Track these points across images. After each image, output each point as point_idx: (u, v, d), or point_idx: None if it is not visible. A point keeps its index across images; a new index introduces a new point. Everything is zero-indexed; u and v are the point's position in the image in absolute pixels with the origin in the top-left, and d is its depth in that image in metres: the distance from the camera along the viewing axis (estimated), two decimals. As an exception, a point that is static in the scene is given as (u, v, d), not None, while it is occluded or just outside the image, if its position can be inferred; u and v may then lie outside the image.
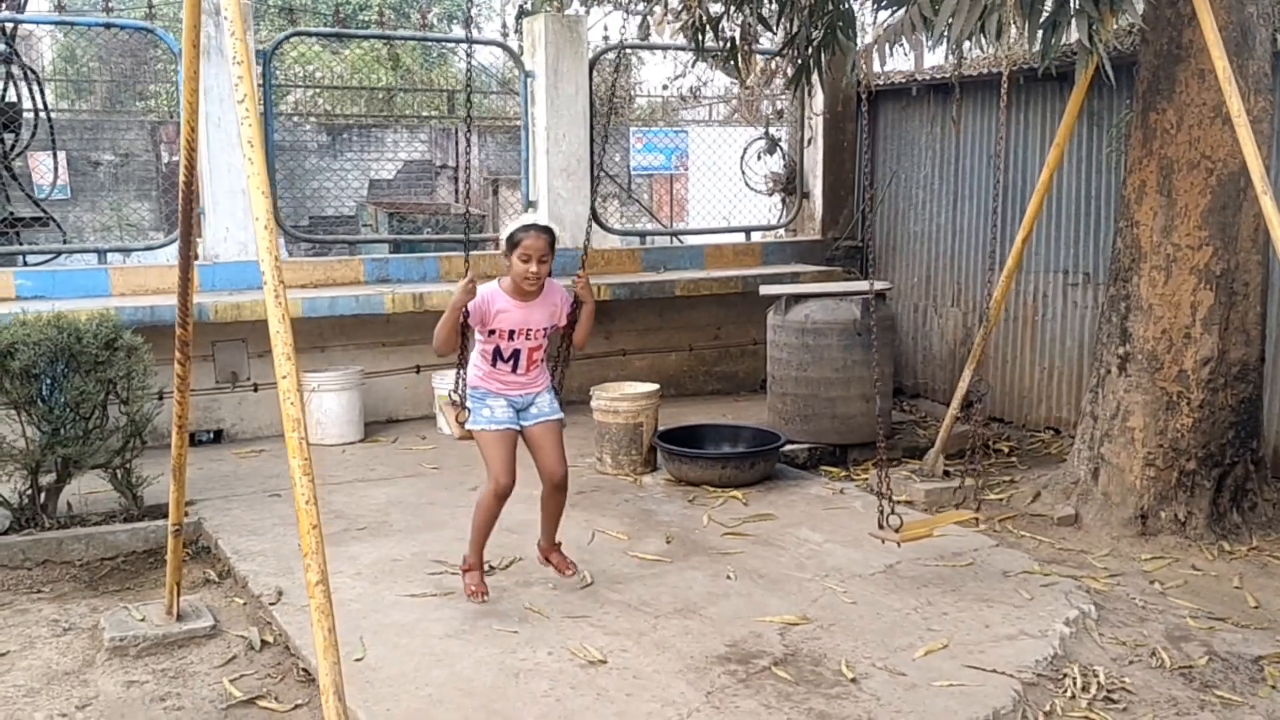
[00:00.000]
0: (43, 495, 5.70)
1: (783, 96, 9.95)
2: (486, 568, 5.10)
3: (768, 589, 4.88)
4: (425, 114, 19.68)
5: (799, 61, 6.44)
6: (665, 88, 12.69)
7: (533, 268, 4.43)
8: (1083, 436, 6.16)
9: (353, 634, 4.41)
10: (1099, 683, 4.03)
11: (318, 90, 19.99)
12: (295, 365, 2.89)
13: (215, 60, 7.26)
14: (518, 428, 4.63)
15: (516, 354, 4.58)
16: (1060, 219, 7.83)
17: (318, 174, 17.63)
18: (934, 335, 9.06)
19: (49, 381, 5.58)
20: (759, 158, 10.16)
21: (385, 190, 18.15)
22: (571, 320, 4.75)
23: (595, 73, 8.64)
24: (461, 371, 4.62)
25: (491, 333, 4.53)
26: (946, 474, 6.57)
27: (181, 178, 3.78)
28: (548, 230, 4.53)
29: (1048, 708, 3.88)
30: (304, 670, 4.28)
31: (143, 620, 4.69)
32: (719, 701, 3.82)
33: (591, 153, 8.56)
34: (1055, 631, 4.40)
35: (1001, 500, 6.40)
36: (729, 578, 5.01)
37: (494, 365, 4.59)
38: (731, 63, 6.72)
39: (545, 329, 4.63)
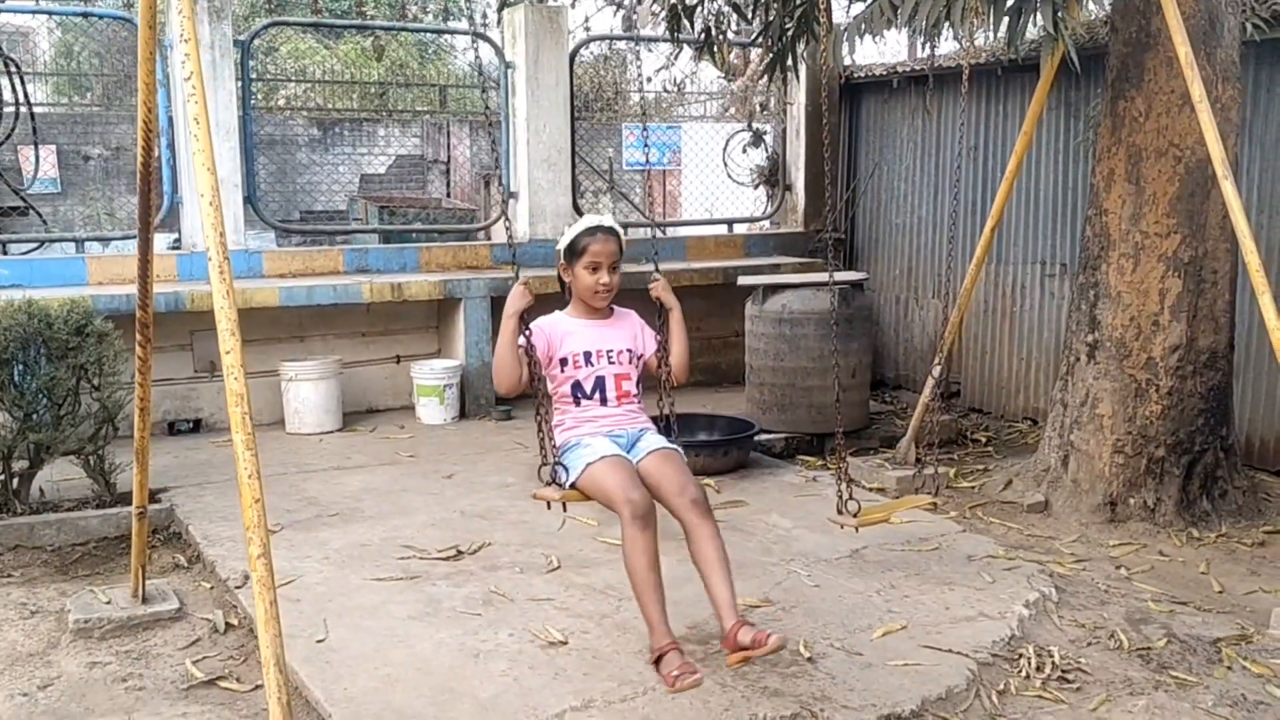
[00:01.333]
0: (15, 481, 5.72)
1: (769, 90, 9.97)
2: (454, 552, 5.14)
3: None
4: (416, 109, 19.70)
5: (774, 51, 6.46)
6: (649, 80, 12.69)
7: (604, 278, 3.75)
8: (1053, 424, 6.19)
9: (317, 616, 4.44)
10: (1054, 663, 4.05)
11: (310, 85, 20.02)
12: (238, 341, 2.91)
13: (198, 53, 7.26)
14: (629, 458, 3.71)
15: (601, 382, 3.77)
16: (1037, 210, 7.86)
17: (309, 168, 17.67)
18: (915, 327, 9.08)
19: (20, 367, 5.61)
20: (744, 150, 10.19)
21: (377, 185, 18.16)
22: (661, 346, 3.93)
23: (576, 64, 8.67)
24: (543, 448, 3.75)
25: (564, 363, 3.77)
26: (919, 461, 6.56)
27: (139, 159, 3.80)
28: (615, 232, 3.80)
29: (1001, 687, 3.90)
30: (266, 651, 4.30)
31: (108, 603, 4.71)
32: (675, 681, 3.84)
33: (573, 144, 8.59)
34: (1014, 613, 4.42)
35: (973, 488, 6.43)
36: (695, 562, 5.03)
37: (578, 405, 3.79)
38: (708, 52, 6.74)
39: (630, 351, 3.85)
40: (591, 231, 3.78)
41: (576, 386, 3.80)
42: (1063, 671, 4.01)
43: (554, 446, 3.76)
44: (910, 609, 4.49)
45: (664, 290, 3.93)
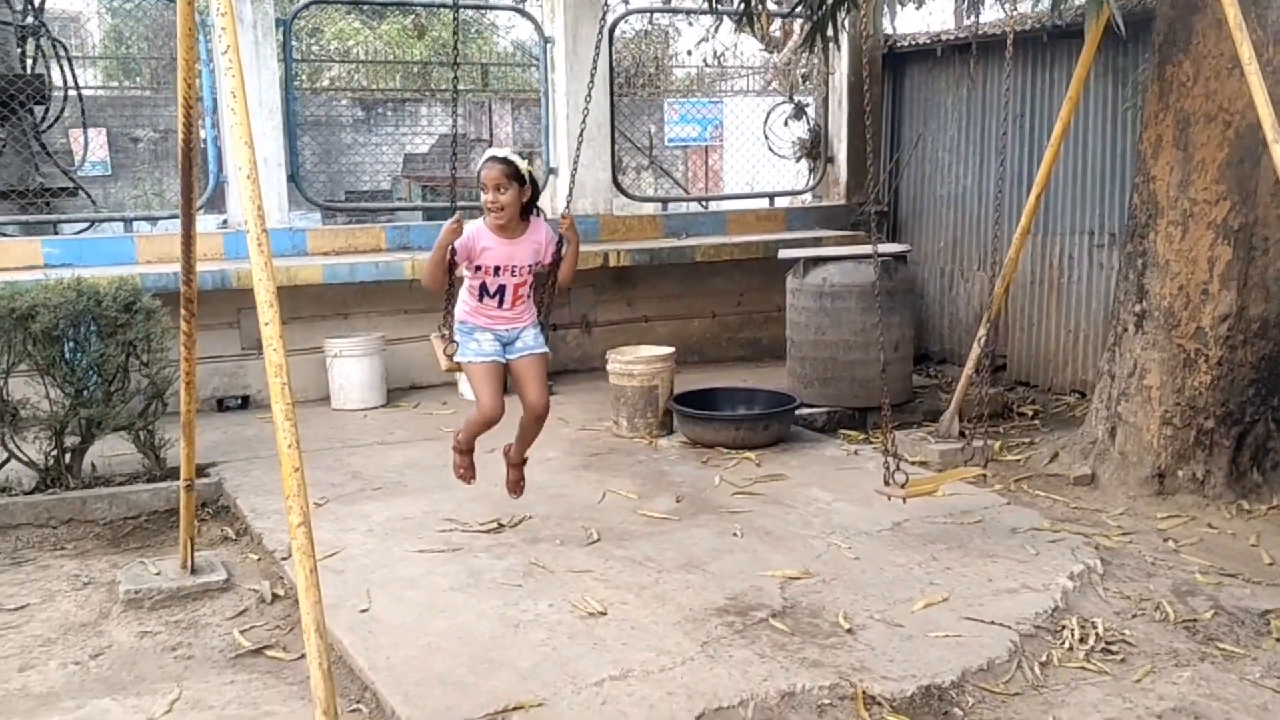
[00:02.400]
0: (68, 456, 5.83)
1: (810, 62, 9.88)
2: (494, 525, 5.19)
3: (772, 545, 4.90)
4: (459, 88, 19.73)
5: (814, 20, 6.40)
6: (690, 53, 12.61)
7: (488, 196, 4.46)
8: (1100, 396, 6.11)
9: (360, 587, 4.50)
10: (1098, 634, 4.01)
11: (354, 66, 20.12)
12: (277, 312, 2.93)
13: (236, 28, 7.32)
14: (504, 360, 4.72)
15: (502, 289, 4.63)
16: (1085, 179, 7.73)
17: (353, 149, 17.78)
18: (960, 300, 8.99)
19: (71, 345, 5.70)
20: (786, 123, 10.09)
21: (420, 164, 18.22)
22: (556, 259, 4.79)
23: (616, 39, 8.64)
24: (449, 307, 4.73)
25: (478, 269, 4.61)
26: (963, 435, 6.52)
27: (180, 136, 3.84)
28: (503, 160, 4.50)
29: (1044, 658, 3.87)
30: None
31: (158, 574, 4.80)
32: (714, 651, 3.85)
33: (612, 119, 8.56)
34: (1058, 585, 4.38)
35: (1019, 461, 6.37)
36: (735, 535, 5.03)
37: (480, 300, 4.66)
38: (747, 23, 6.69)
39: (530, 265, 4.67)
40: (484, 161, 4.52)
41: (483, 287, 4.63)
42: (1106, 643, 3.98)
43: (451, 315, 4.73)
44: (952, 581, 4.46)
45: (569, 229, 4.73)
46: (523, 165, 4.50)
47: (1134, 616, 4.25)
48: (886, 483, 4.82)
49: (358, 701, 3.76)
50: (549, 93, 8.44)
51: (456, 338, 4.73)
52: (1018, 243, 6.36)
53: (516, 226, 4.58)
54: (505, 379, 4.75)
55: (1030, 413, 7.58)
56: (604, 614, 4.18)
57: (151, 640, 4.32)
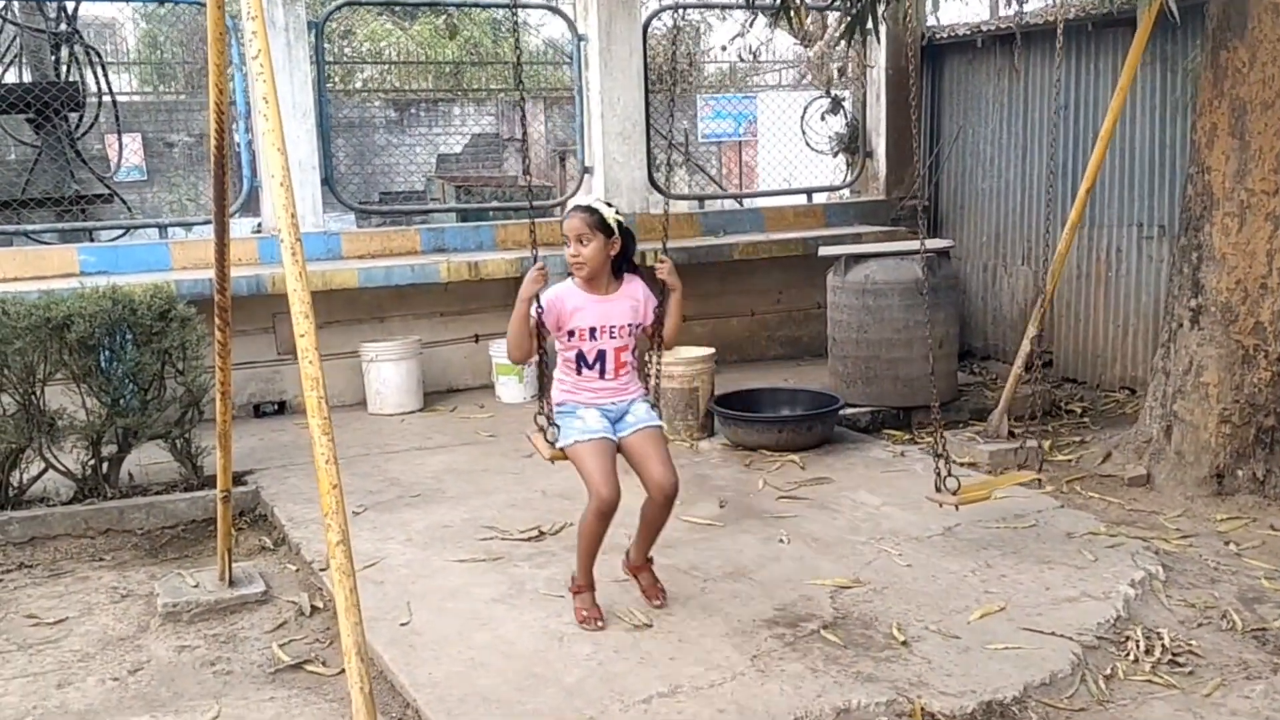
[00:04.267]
0: (105, 465, 5.79)
1: (847, 55, 9.71)
2: (535, 533, 5.09)
3: (820, 552, 4.77)
4: (491, 87, 19.70)
5: (853, 12, 6.26)
6: (724, 49, 12.48)
7: (570, 249, 4.06)
8: (1154, 393, 5.93)
9: (400, 598, 4.42)
10: (1164, 645, 3.87)
11: (387, 67, 20.12)
12: (312, 324, 2.85)
13: (267, 31, 7.27)
14: (614, 438, 4.10)
15: (602, 356, 4.11)
16: (1134, 170, 7.54)
17: (387, 150, 17.77)
18: (1004, 295, 8.81)
19: (107, 353, 5.67)
20: (822, 118, 9.95)
21: (454, 164, 18.21)
22: (659, 319, 4.26)
23: (649, 35, 8.52)
24: (544, 393, 4.21)
25: (571, 335, 4.10)
26: (1012, 435, 6.37)
27: (212, 142, 3.76)
28: (585, 209, 4.10)
29: (1108, 671, 3.73)
30: (351, 635, 4.28)
31: (196, 586, 4.74)
32: (764, 665, 3.74)
33: (647, 116, 8.45)
34: (1119, 593, 4.23)
35: (1070, 461, 6.20)
36: (781, 541, 4.91)
37: (579, 373, 4.15)
38: (785, 17, 6.56)
39: (630, 325, 4.15)
40: (568, 211, 4.15)
41: (580, 356, 4.14)
42: (1173, 654, 3.83)
43: (549, 400, 4.17)
44: (1008, 589, 4.32)
45: (669, 274, 4.24)
46: (609, 214, 4.06)
47: (1200, 625, 4.10)
48: (938, 489, 4.68)
49: (399, 718, 3.68)
50: (583, 90, 8.33)
51: (557, 421, 4.11)
52: (1067, 237, 6.19)
53: (608, 283, 4.13)
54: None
55: (1079, 410, 7.40)
56: (649, 626, 4.07)
57: (190, 655, 4.25)
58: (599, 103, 8.21)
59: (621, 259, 4.14)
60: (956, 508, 4.68)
